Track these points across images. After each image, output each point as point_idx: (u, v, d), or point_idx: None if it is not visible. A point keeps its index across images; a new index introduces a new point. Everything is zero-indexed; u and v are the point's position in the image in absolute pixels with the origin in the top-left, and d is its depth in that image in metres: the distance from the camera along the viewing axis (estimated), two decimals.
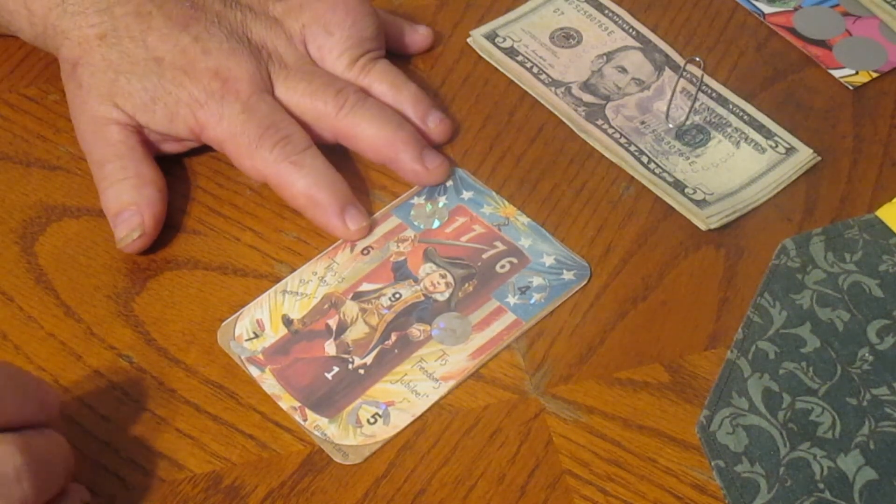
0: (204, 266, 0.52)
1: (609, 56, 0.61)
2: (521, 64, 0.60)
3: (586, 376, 0.50)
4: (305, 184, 0.52)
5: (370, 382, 0.49)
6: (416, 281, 0.52)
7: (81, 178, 0.55)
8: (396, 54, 0.60)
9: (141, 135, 0.53)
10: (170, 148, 0.55)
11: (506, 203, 0.55)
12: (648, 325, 0.51)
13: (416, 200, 0.55)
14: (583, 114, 0.58)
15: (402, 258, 0.53)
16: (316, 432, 0.47)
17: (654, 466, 0.47)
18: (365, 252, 0.53)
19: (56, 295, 0.51)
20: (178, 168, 0.55)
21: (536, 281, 0.52)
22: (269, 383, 0.48)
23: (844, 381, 0.49)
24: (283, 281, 0.52)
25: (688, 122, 0.58)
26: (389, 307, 0.51)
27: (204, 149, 0.55)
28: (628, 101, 0.59)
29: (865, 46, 0.62)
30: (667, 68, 0.60)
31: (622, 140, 0.57)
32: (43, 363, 0.49)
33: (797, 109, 0.59)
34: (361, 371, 0.49)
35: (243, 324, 0.50)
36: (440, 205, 0.55)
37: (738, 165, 0.57)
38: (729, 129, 0.58)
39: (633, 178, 0.56)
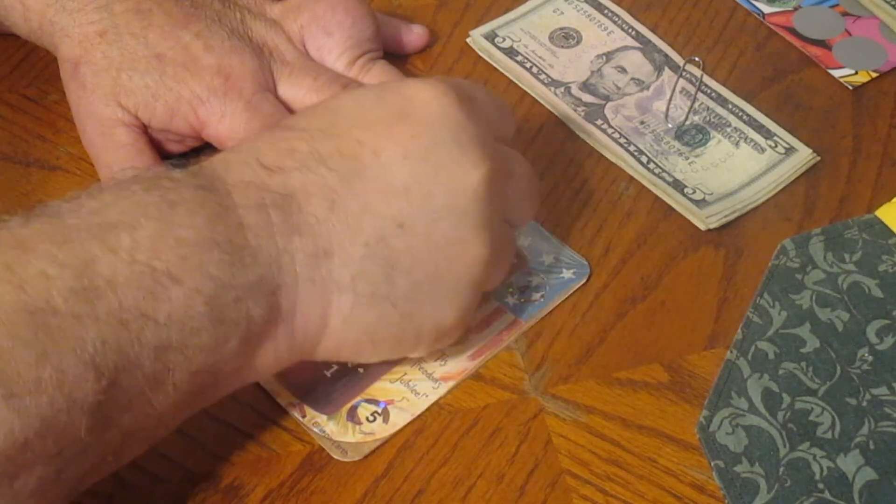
0: None
1: (608, 56, 0.61)
2: (521, 64, 0.60)
3: (585, 376, 0.49)
4: None
5: (369, 381, 0.49)
6: None
7: (81, 178, 0.55)
8: (394, 54, 0.60)
9: (148, 135, 0.53)
10: (173, 147, 0.54)
11: None
12: (648, 325, 0.51)
13: None
14: (582, 114, 0.58)
15: None
16: (315, 429, 0.47)
17: (654, 466, 0.47)
18: None
19: None
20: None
21: (535, 280, 0.52)
22: (267, 379, 0.48)
23: (844, 381, 0.49)
24: None
25: (687, 122, 0.58)
26: None
27: (204, 148, 0.55)
28: (628, 101, 0.59)
29: (865, 46, 0.62)
30: (666, 68, 0.60)
31: (622, 140, 0.57)
32: None
33: (797, 109, 0.59)
34: (361, 369, 0.49)
35: None
36: None
37: (738, 165, 0.57)
38: (728, 129, 0.58)
39: (632, 177, 0.56)
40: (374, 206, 0.42)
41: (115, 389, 0.37)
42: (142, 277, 0.38)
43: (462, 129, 0.44)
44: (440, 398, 0.48)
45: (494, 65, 0.61)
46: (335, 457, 0.46)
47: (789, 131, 0.58)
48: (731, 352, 0.50)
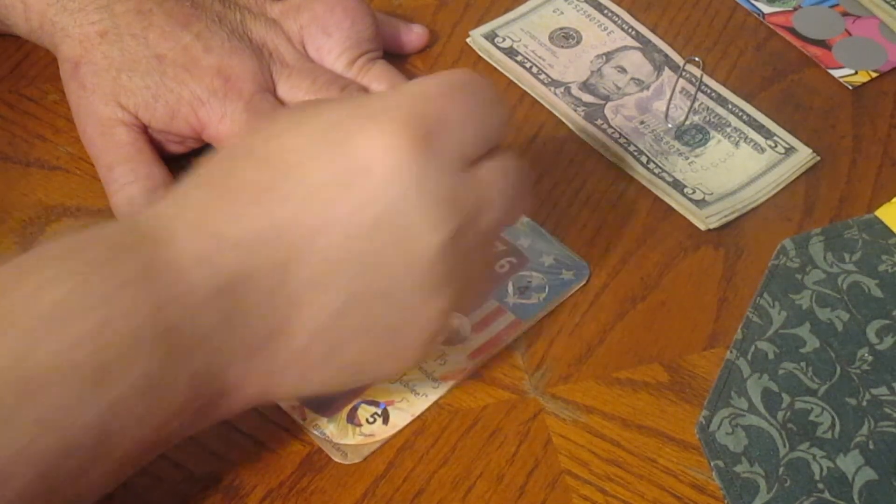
0: None
1: (608, 56, 0.61)
2: (521, 64, 0.60)
3: (585, 376, 0.50)
4: None
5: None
6: None
7: (81, 177, 0.55)
8: (393, 54, 0.60)
9: (147, 135, 0.53)
10: (173, 148, 0.54)
11: None
12: (647, 325, 0.51)
13: None
14: (582, 114, 0.58)
15: None
16: (315, 431, 0.47)
17: (654, 466, 0.47)
18: None
19: None
20: (178, 168, 0.55)
21: (535, 281, 0.52)
22: None
23: (844, 381, 0.49)
24: None
25: (687, 122, 0.58)
26: None
27: (205, 149, 0.55)
28: (627, 101, 0.59)
29: (865, 46, 0.62)
30: (666, 68, 0.60)
31: (621, 140, 0.57)
32: None
33: (796, 109, 0.59)
34: None
35: None
36: None
37: (738, 165, 0.57)
38: (728, 129, 0.58)
39: (632, 177, 0.56)
40: (326, 282, 0.40)
41: (51, 479, 0.37)
42: (78, 373, 0.37)
43: (417, 184, 0.40)
44: (440, 398, 0.48)
45: (494, 65, 0.61)
46: (335, 459, 0.46)
47: (789, 131, 0.58)
48: (731, 352, 0.50)
